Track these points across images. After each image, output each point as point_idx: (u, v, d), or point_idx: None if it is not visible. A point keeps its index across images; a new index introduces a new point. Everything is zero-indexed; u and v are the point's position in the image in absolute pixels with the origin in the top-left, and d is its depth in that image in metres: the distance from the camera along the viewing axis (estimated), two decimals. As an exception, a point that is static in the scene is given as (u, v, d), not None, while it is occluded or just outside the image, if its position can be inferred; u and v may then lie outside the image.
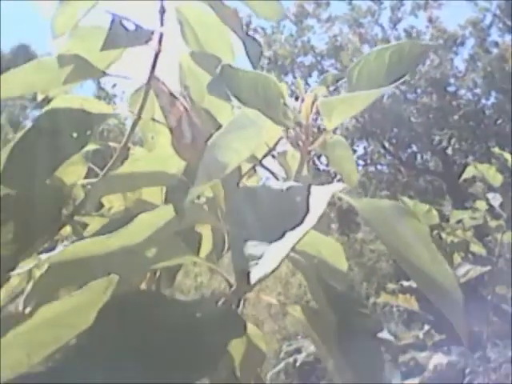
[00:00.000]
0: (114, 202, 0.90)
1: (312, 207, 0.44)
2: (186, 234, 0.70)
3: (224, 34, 0.85)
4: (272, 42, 9.03)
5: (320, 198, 0.46)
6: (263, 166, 0.66)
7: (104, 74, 0.87)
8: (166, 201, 0.76)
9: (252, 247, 0.41)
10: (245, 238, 0.42)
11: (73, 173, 0.84)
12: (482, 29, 8.64)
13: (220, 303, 0.54)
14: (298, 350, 2.85)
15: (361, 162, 8.95)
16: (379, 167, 9.12)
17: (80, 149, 0.77)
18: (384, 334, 0.54)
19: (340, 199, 0.53)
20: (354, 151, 8.82)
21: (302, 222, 0.43)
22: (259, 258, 0.40)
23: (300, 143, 0.59)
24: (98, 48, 0.78)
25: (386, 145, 8.75)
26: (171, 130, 0.63)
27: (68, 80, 0.82)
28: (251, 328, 0.60)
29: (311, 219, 0.43)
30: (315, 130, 0.61)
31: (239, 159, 0.52)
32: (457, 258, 2.60)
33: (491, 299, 2.52)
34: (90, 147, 0.91)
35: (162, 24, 0.82)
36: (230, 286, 0.57)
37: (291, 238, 0.42)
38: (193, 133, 0.62)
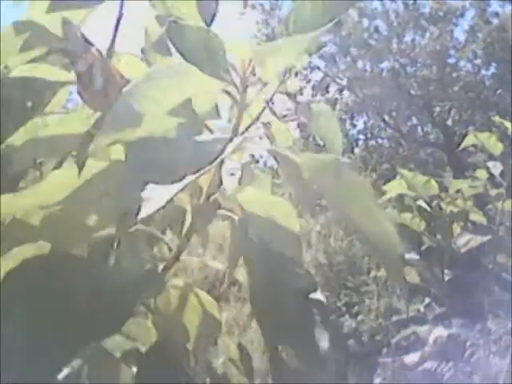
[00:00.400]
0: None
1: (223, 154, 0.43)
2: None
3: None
4: (270, 18, 8.94)
5: (232, 146, 0.44)
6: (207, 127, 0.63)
7: (63, 40, 0.84)
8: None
9: (147, 191, 0.40)
10: (139, 182, 0.40)
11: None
12: (482, -1, 8.53)
13: (159, 268, 0.52)
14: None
15: (361, 137, 8.91)
16: (380, 141, 9.07)
17: (32, 117, 0.74)
18: (316, 295, 0.52)
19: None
20: (354, 126, 8.78)
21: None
22: (149, 199, 0.39)
23: (237, 96, 0.57)
24: (59, 15, 0.75)
25: (386, 118, 8.69)
26: (78, 76, 0.60)
27: (24, 47, 0.79)
28: (205, 297, 0.58)
29: (213, 163, 0.42)
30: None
31: (158, 110, 0.49)
32: (456, 228, 2.59)
33: (492, 268, 2.50)
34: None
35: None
36: (170, 250, 0.55)
37: (185, 180, 0.40)
38: (105, 81, 0.59)
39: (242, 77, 0.57)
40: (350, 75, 8.61)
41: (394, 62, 8.56)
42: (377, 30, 8.79)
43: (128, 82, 0.52)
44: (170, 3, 0.85)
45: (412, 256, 2.74)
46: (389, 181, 2.68)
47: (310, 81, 8.61)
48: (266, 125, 0.90)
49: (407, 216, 2.68)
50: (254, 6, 8.98)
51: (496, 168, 2.60)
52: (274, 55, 0.54)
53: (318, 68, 8.83)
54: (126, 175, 0.43)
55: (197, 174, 0.41)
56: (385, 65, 8.64)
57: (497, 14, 8.51)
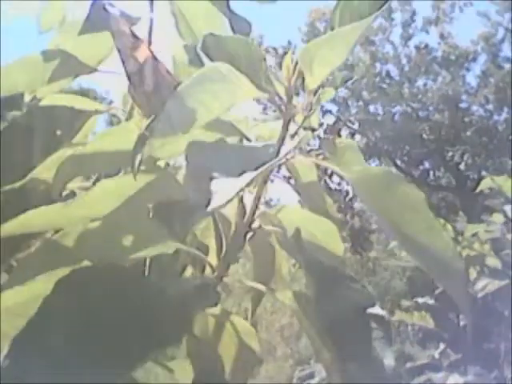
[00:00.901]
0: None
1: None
2: (179, 233, 0.65)
3: (220, 25, 0.81)
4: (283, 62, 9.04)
5: (287, 147, 0.43)
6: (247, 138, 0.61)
7: (93, 69, 0.83)
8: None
9: (214, 184, 0.38)
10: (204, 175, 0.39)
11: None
12: (494, 44, 8.60)
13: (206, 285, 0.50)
14: (311, 375, 2.79)
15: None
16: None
17: (61, 146, 0.73)
18: (375, 309, 0.49)
19: (352, 217, 0.50)
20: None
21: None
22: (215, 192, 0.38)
23: (282, 107, 0.55)
24: (88, 43, 0.74)
25: (398, 162, 8.70)
26: (129, 77, 0.57)
27: (53, 77, 0.78)
28: (242, 325, 0.56)
29: (274, 161, 0.40)
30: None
31: (209, 114, 0.47)
32: (472, 272, 2.55)
33: (508, 315, 2.46)
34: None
35: (151, 11, 0.78)
36: (213, 271, 0.53)
37: (249, 174, 0.39)
38: (157, 81, 0.56)
39: (287, 86, 0.55)
40: (361, 119, 8.65)
41: (406, 107, 8.60)
42: (388, 74, 8.86)
43: (179, 83, 0.50)
44: (198, 32, 0.84)
45: (427, 300, 2.70)
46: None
47: (322, 124, 8.67)
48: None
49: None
50: (267, 50, 9.08)
51: (513, 212, 2.58)
52: (322, 52, 0.51)
53: (330, 112, 8.88)
54: (188, 176, 0.41)
55: (261, 169, 0.39)
56: (397, 109, 8.68)
57: (508, 59, 8.58)
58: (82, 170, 0.69)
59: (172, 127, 0.44)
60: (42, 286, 0.47)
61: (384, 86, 8.66)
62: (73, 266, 0.48)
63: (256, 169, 0.40)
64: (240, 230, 0.55)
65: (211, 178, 0.39)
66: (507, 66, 8.49)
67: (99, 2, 0.70)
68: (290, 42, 9.23)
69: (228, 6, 0.74)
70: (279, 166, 0.82)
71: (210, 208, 0.36)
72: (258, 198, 0.54)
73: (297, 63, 0.54)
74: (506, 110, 8.52)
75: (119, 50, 0.57)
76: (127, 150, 0.61)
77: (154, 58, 0.56)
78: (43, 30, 0.84)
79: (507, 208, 2.59)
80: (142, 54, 0.56)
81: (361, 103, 8.88)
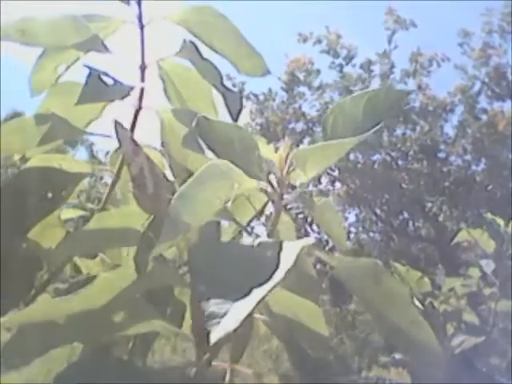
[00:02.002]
0: (92, 268, 0.85)
1: (282, 262, 0.41)
2: (161, 301, 0.66)
3: (206, 91, 0.83)
4: (264, 108, 9.12)
5: (290, 252, 0.43)
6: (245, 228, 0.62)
7: (83, 132, 0.84)
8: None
9: (215, 305, 0.38)
10: (208, 296, 0.38)
11: (51, 236, 0.80)
12: (471, 96, 8.76)
13: (192, 372, 0.50)
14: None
15: (353, 230, 8.93)
16: (371, 234, 9.09)
17: (54, 209, 0.74)
18: None
19: (331, 268, 0.51)
20: (346, 218, 8.80)
21: (270, 278, 0.40)
22: (221, 316, 0.37)
23: (275, 196, 0.56)
24: (78, 107, 0.76)
25: (378, 211, 8.74)
26: (133, 179, 0.60)
27: (43, 140, 0.79)
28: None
29: (278, 275, 0.40)
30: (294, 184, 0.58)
31: (211, 211, 0.49)
32: (450, 329, 2.55)
33: (486, 371, 2.45)
34: (71, 213, 0.87)
35: (142, 80, 0.80)
36: (199, 355, 0.53)
37: (255, 295, 0.38)
38: (155, 183, 0.58)
39: (280, 176, 0.57)
40: (341, 166, 8.72)
41: (386, 155, 8.69)
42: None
43: (172, 183, 0.52)
44: (186, 96, 0.86)
45: (404, 356, 2.70)
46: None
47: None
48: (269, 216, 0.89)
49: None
50: (248, 97, 9.17)
51: (489, 266, 2.59)
52: (315, 157, 0.54)
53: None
54: (193, 281, 0.42)
55: (269, 287, 0.40)
56: (376, 157, 8.76)
57: (485, 111, 8.73)
58: (81, 249, 0.70)
59: (177, 229, 0.45)
60: (36, 369, 0.48)
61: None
62: (64, 345, 0.49)
63: (258, 281, 0.40)
64: None
65: (207, 298, 0.39)
66: (484, 117, 8.64)
67: (95, 71, 0.72)
68: (270, 90, 9.32)
69: (221, 81, 0.76)
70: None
71: (213, 339, 0.36)
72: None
73: (287, 155, 0.56)
74: (483, 160, 8.64)
75: (123, 155, 0.60)
76: (127, 230, 0.63)
77: (151, 162, 0.59)
78: (35, 93, 0.86)
79: (483, 262, 2.60)
80: (141, 158, 0.59)
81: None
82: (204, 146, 0.57)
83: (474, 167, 8.79)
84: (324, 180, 8.87)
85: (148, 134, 0.83)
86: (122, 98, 0.73)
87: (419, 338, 0.48)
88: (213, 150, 0.55)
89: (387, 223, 8.66)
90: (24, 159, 0.85)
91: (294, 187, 0.59)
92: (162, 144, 0.81)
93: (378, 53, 8.88)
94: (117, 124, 0.59)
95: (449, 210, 8.36)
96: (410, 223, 8.98)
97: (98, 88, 0.72)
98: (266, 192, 0.56)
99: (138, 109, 0.79)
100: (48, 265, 0.79)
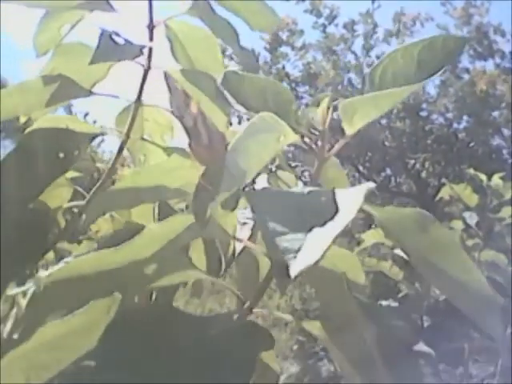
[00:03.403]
0: (102, 226, 0.86)
1: (342, 206, 0.42)
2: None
3: (215, 50, 0.83)
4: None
5: (351, 196, 0.43)
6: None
7: (90, 92, 0.84)
8: (160, 217, 0.73)
9: (287, 241, 0.38)
10: (277, 232, 0.39)
11: (58, 196, 0.81)
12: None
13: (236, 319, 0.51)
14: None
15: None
16: (354, 191, 9.11)
17: (66, 170, 0.74)
18: (421, 346, 0.50)
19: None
20: (329, 176, 8.80)
21: (332, 219, 0.40)
22: (296, 251, 0.38)
23: (317, 150, 0.57)
24: (83, 66, 0.76)
25: (361, 168, 8.78)
26: (188, 131, 0.60)
27: (52, 101, 0.79)
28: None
29: (348, 214, 0.40)
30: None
31: (260, 165, 0.49)
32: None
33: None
34: (75, 173, 0.87)
35: (151, 39, 0.80)
36: (243, 303, 0.54)
37: (331, 229, 0.39)
38: (209, 134, 0.59)
39: (322, 129, 0.57)
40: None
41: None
42: (350, 82, 8.94)
43: (224, 134, 0.53)
44: (193, 56, 0.86)
45: (390, 303, 2.75)
46: (364, 230, 2.69)
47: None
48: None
49: (386, 265, 2.70)
50: (231, 57, 9.09)
51: (472, 218, 2.65)
52: (365, 108, 0.53)
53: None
54: (259, 221, 0.42)
55: (345, 221, 0.40)
56: (359, 116, 8.75)
57: (467, 70, 8.73)
58: (115, 205, 0.71)
59: (234, 181, 0.46)
60: (78, 321, 0.49)
61: (347, 93, 8.73)
62: (98, 298, 0.50)
63: (321, 221, 0.40)
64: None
65: (279, 233, 0.39)
66: (466, 76, 8.64)
67: (106, 31, 0.72)
68: (253, 50, 9.25)
69: (238, 41, 0.76)
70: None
71: (298, 270, 0.36)
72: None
73: (328, 109, 0.56)
74: (465, 118, 8.67)
75: (176, 107, 0.60)
76: (165, 186, 0.64)
77: (203, 113, 0.59)
78: (40, 54, 0.86)
79: (466, 215, 2.65)
80: (193, 110, 0.59)
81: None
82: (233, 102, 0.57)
83: (455, 125, 8.82)
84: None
85: (157, 95, 0.83)
86: (134, 57, 0.74)
87: (473, 286, 0.48)
88: (245, 105, 0.55)
89: (370, 179, 8.70)
90: (30, 121, 0.86)
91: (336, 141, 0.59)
92: (171, 105, 0.82)
93: (361, 13, 8.81)
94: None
95: (431, 167, 8.41)
96: (393, 179, 9.03)
97: (110, 48, 0.72)
98: (308, 145, 0.56)
99: (146, 69, 0.80)
100: (81, 220, 0.80)
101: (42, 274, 0.49)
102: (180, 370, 0.43)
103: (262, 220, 0.41)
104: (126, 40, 0.75)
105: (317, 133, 0.57)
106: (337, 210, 0.41)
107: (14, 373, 0.48)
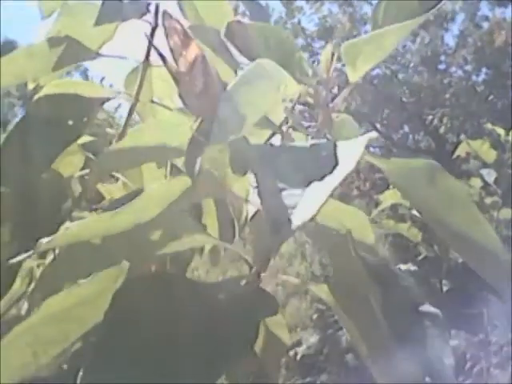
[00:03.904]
0: (115, 193, 0.85)
1: (342, 158, 0.40)
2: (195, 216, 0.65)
3: (224, 5, 0.80)
4: (260, 24, 8.94)
5: (353, 148, 0.41)
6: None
7: (97, 54, 0.82)
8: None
9: (284, 198, 0.37)
10: (275, 189, 0.37)
11: (70, 164, 0.79)
12: (472, 3, 8.57)
13: (243, 284, 0.50)
14: (298, 343, 2.81)
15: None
16: (371, 149, 9.07)
17: (77, 137, 0.72)
18: (428, 308, 0.49)
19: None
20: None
21: (331, 173, 0.38)
22: (293, 207, 0.36)
23: (320, 100, 0.54)
24: (90, 26, 0.73)
25: (378, 126, 8.70)
26: (179, 77, 0.56)
27: (59, 64, 0.77)
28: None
29: (346, 168, 0.38)
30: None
31: (257, 114, 0.46)
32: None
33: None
34: (87, 138, 0.85)
35: (159, -5, 0.77)
36: (251, 268, 0.52)
37: (329, 182, 0.37)
38: (206, 81, 0.55)
39: (326, 77, 0.54)
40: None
41: (386, 69, 8.57)
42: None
43: (224, 83, 0.49)
44: (204, 14, 0.83)
45: (409, 267, 2.73)
46: (382, 191, 2.64)
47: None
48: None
49: (404, 226, 2.66)
50: (244, 14, 8.97)
51: (490, 176, 2.59)
52: (368, 49, 0.50)
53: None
54: (263, 184, 0.40)
55: (342, 175, 0.38)
56: (376, 72, 8.64)
57: (487, 18, 8.55)
58: (118, 165, 0.69)
59: (226, 131, 0.43)
60: (84, 291, 0.47)
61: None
62: (105, 267, 0.48)
63: (320, 175, 0.39)
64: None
65: (281, 190, 0.38)
66: (485, 24, 8.47)
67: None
68: (267, 5, 9.11)
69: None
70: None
71: (294, 225, 0.35)
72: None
73: (333, 55, 0.53)
74: (484, 70, 8.53)
75: (171, 49, 0.56)
76: (168, 144, 0.61)
77: (203, 57, 0.55)
78: (45, 16, 0.83)
79: (484, 172, 2.60)
80: (192, 52, 0.56)
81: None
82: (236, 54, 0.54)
83: (474, 78, 8.69)
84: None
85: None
86: (141, 16, 0.71)
87: (482, 240, 0.46)
88: (247, 54, 0.52)
89: (387, 138, 8.64)
90: (38, 87, 0.83)
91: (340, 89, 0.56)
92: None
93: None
94: (165, 14, 0.55)
95: (449, 122, 8.31)
96: (411, 137, 8.95)
97: (115, 7, 0.69)
98: (312, 96, 0.54)
99: (154, 26, 0.77)
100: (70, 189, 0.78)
101: (44, 240, 0.47)
102: (183, 334, 0.42)
103: (259, 176, 0.39)
104: (131, -1, 0.72)
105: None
106: (337, 163, 0.39)
107: (20, 348, 0.47)
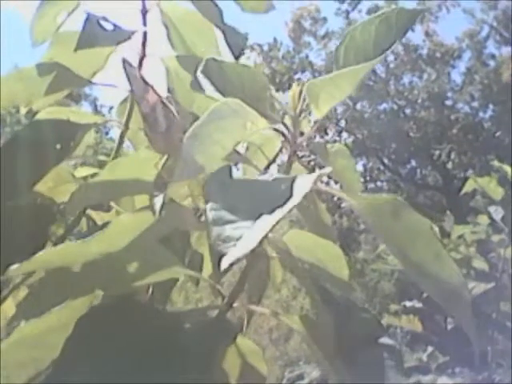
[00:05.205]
0: (107, 219, 0.85)
1: (294, 192, 0.40)
2: (179, 250, 0.65)
3: (210, 34, 0.81)
4: (269, 58, 9.03)
5: (303, 183, 0.42)
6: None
7: (88, 82, 0.83)
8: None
9: (231, 230, 0.37)
10: (224, 221, 0.38)
11: (65, 192, 0.79)
12: (479, 41, 8.64)
13: (213, 314, 0.50)
14: (301, 376, 2.79)
15: (360, 179, 8.93)
16: (379, 184, 9.08)
17: (62, 159, 0.73)
18: (385, 340, 0.49)
19: (340, 217, 0.50)
20: (353, 168, 8.76)
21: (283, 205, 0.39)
22: (237, 239, 0.36)
23: (288, 136, 0.54)
24: (81, 55, 0.74)
25: (385, 161, 8.72)
26: (144, 118, 0.58)
27: (49, 90, 0.77)
28: (247, 346, 0.55)
29: (292, 201, 0.39)
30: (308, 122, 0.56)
31: (223, 152, 0.47)
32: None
33: (495, 317, 2.46)
34: (85, 171, 0.86)
35: (144, 24, 0.78)
36: (223, 298, 0.52)
37: (270, 218, 0.37)
38: (168, 122, 0.57)
39: (293, 115, 0.55)
40: (348, 116, 8.67)
41: (393, 104, 8.62)
42: (374, 71, 8.88)
43: (184, 123, 0.50)
44: (191, 42, 0.84)
45: (414, 304, 2.70)
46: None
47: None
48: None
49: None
50: (252, 47, 9.07)
51: (497, 213, 2.57)
52: (328, 88, 0.51)
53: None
54: (211, 216, 0.40)
55: (287, 208, 0.38)
56: (383, 106, 8.70)
57: (493, 56, 8.62)
58: (95, 198, 0.69)
59: (190, 170, 0.44)
60: (56, 318, 0.48)
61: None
62: (82, 295, 0.49)
63: (272, 208, 0.39)
64: (251, 256, 0.54)
65: (227, 222, 0.38)
66: (492, 63, 8.54)
67: (93, 16, 0.70)
68: (275, 39, 9.22)
69: (222, 19, 0.74)
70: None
71: (233, 258, 0.35)
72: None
73: (301, 93, 0.54)
74: (491, 107, 8.57)
75: (134, 93, 0.58)
76: (140, 180, 0.62)
77: (162, 101, 0.57)
78: (36, 44, 0.84)
79: (491, 209, 2.59)
80: (152, 97, 0.57)
81: (347, 101, 8.89)
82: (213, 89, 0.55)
83: (481, 114, 8.74)
84: (330, 131, 8.82)
85: (154, 82, 0.82)
86: (122, 42, 0.72)
87: (443, 273, 0.47)
88: (222, 92, 0.53)
89: (395, 172, 8.65)
90: (31, 112, 0.84)
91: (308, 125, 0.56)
92: (168, 91, 0.80)
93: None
94: (125, 62, 0.57)
95: (457, 158, 8.32)
96: (418, 171, 8.96)
97: (96, 33, 0.70)
98: (280, 132, 0.54)
99: (142, 56, 0.78)
100: (63, 216, 0.79)
101: (14, 267, 0.48)
102: (142, 360, 0.42)
103: (209, 208, 0.39)
104: (114, 25, 0.72)
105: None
106: (291, 196, 0.40)
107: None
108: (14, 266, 0.47)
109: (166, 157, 0.53)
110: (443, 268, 0.47)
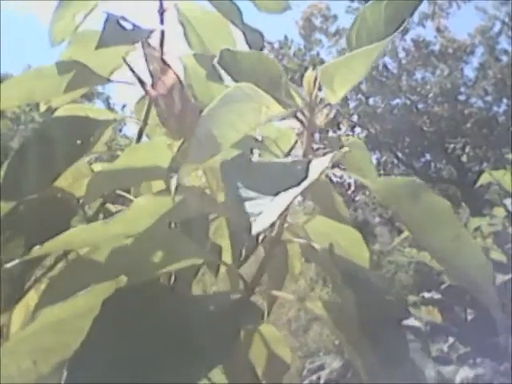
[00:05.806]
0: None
1: (310, 173, 0.42)
2: (199, 239, 0.67)
3: (227, 32, 0.82)
4: (280, 56, 9.01)
5: (319, 163, 0.43)
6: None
7: (107, 80, 0.84)
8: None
9: (251, 206, 0.39)
10: (243, 199, 0.39)
11: (84, 187, 0.81)
12: (491, 37, 8.59)
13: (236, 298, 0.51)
14: (321, 367, 2.78)
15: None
16: (393, 177, 9.02)
17: (82, 155, 0.74)
18: (411, 321, 0.49)
19: (355, 210, 0.50)
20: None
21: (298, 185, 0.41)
22: (258, 215, 0.38)
23: (305, 121, 0.55)
24: (99, 54, 0.75)
25: (399, 155, 8.69)
26: (156, 101, 0.59)
27: (68, 88, 0.79)
28: (272, 333, 0.56)
29: (309, 179, 0.40)
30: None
31: (237, 134, 0.48)
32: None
33: (514, 307, 2.45)
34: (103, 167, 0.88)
35: (162, 23, 0.79)
36: (245, 283, 0.53)
37: (289, 193, 0.39)
38: (183, 105, 0.58)
39: (308, 101, 0.55)
40: (361, 112, 8.64)
41: (405, 99, 8.59)
42: (386, 67, 8.85)
43: (201, 107, 0.51)
44: (208, 41, 0.85)
45: (433, 295, 2.70)
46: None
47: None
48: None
49: (427, 254, 2.65)
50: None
51: (513, 205, 2.57)
52: (342, 71, 0.52)
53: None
54: (232, 195, 0.41)
55: (304, 186, 0.40)
56: (396, 101, 8.66)
57: (506, 51, 8.56)
58: (112, 185, 0.71)
59: (203, 151, 0.45)
60: (82, 302, 0.49)
61: (382, 78, 8.65)
62: (106, 281, 0.50)
63: (288, 187, 0.40)
64: (271, 243, 0.55)
65: (246, 199, 0.40)
66: (505, 58, 8.48)
67: (113, 16, 0.72)
68: (286, 37, 9.20)
69: (241, 19, 0.75)
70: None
71: (254, 232, 0.36)
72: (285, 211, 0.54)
73: (316, 78, 0.54)
74: (505, 101, 8.51)
75: (151, 74, 0.59)
76: (156, 165, 0.63)
77: (180, 83, 0.58)
78: (55, 43, 0.86)
79: (507, 202, 2.58)
80: (170, 78, 0.58)
81: (360, 96, 8.86)
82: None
83: (495, 108, 8.68)
84: (343, 126, 8.80)
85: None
86: (143, 40, 0.73)
87: (465, 253, 0.47)
88: (237, 81, 0.54)
89: (409, 166, 8.62)
90: (50, 109, 0.86)
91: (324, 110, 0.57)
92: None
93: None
94: (144, 43, 0.58)
95: (472, 151, 8.28)
96: (432, 165, 8.92)
97: (116, 32, 0.71)
98: (296, 117, 0.55)
99: (160, 55, 0.79)
100: (83, 211, 0.80)
101: (37, 247, 0.49)
102: (166, 340, 0.43)
103: (229, 187, 0.41)
104: (133, 25, 0.74)
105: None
106: (306, 177, 0.41)
107: (19, 356, 0.48)
108: (37, 247, 0.48)
109: (180, 141, 0.54)
110: (465, 247, 0.47)
